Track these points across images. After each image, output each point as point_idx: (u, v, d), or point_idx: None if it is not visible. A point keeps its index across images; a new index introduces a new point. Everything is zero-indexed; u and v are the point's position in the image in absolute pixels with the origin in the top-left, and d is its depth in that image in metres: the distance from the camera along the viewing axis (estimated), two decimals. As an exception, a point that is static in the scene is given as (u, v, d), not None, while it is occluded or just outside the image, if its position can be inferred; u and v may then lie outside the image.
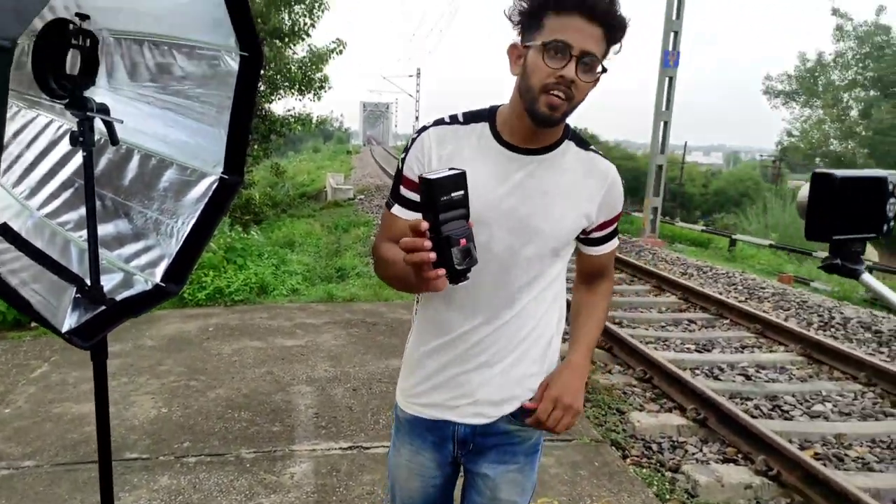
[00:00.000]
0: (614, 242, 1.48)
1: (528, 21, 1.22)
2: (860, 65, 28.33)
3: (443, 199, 1.01)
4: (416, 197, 1.30)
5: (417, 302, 1.47)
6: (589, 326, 1.49)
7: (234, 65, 1.64)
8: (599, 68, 1.21)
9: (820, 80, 29.38)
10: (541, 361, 1.43)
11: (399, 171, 1.37)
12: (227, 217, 8.90)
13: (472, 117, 1.34)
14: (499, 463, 1.44)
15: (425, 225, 1.02)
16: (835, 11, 28.17)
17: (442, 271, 1.03)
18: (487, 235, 1.29)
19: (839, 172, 0.94)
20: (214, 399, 4.03)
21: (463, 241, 1.04)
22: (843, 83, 29.01)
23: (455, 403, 1.40)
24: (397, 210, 1.36)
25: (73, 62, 1.45)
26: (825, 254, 12.56)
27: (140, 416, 3.76)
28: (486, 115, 1.34)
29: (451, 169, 1.04)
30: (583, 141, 1.38)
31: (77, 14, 1.45)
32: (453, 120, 1.35)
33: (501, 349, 1.38)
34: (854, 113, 29.03)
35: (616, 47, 1.24)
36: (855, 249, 1.00)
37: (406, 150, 1.36)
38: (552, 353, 1.46)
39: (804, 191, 1.00)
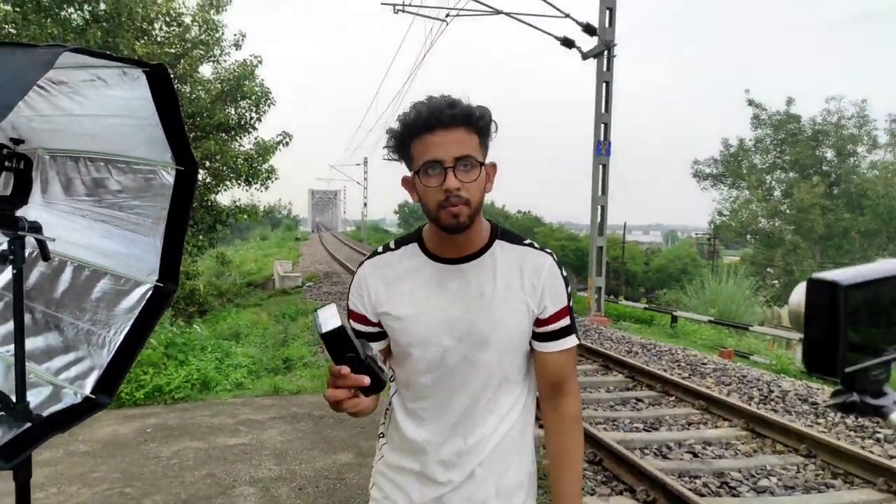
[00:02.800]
0: (570, 340, 1.41)
1: (402, 154, 1.31)
2: (778, 149, 30.55)
3: (349, 335, 1.11)
4: (363, 328, 1.39)
5: (384, 424, 1.50)
6: (567, 479, 1.42)
7: (169, 178, 1.69)
8: (480, 163, 1.26)
9: (743, 164, 31.42)
10: (518, 470, 1.42)
11: (347, 308, 1.42)
12: (169, 309, 8.71)
13: (402, 242, 1.42)
14: None
15: (346, 369, 1.10)
16: (751, 102, 30.57)
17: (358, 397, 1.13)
18: (441, 350, 1.33)
19: (844, 276, 0.66)
20: (150, 508, 3.83)
21: (376, 352, 1.15)
22: (765, 166, 31.11)
23: None
24: None
25: (5, 183, 1.48)
26: (761, 328, 12.92)
27: (67, 531, 3.53)
28: (415, 237, 1.40)
29: (328, 317, 1.11)
30: (515, 237, 1.41)
31: (11, 138, 1.50)
32: (385, 248, 1.43)
33: (476, 463, 1.37)
34: (777, 193, 31.00)
35: (493, 126, 1.30)
36: (876, 377, 0.70)
37: (350, 286, 1.44)
38: (527, 462, 1.45)
39: (796, 297, 0.72)
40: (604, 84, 14.00)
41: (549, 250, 1.41)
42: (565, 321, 1.39)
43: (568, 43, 14.20)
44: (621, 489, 4.50)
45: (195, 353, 7.53)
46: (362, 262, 1.43)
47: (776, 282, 30.64)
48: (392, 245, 1.43)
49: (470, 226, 1.28)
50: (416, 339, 1.34)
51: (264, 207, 14.77)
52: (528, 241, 1.41)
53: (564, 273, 1.40)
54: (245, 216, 13.86)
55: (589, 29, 13.75)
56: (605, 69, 13.97)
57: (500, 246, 1.38)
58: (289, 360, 8.39)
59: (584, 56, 14.29)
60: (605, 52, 13.82)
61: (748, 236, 32.32)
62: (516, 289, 1.35)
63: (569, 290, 1.41)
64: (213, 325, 11.65)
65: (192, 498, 3.96)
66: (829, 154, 29.85)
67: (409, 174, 1.32)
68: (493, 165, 1.34)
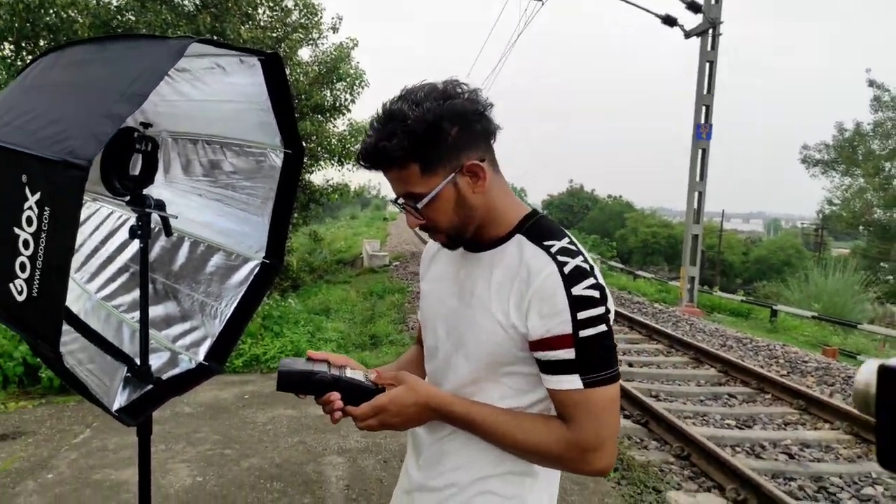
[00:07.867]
0: (571, 381, 1.04)
1: None
2: (900, 134, 28.14)
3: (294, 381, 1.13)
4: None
5: None
6: (497, 411, 1.12)
7: (278, 161, 1.80)
8: (423, 199, 1.07)
9: (859, 149, 29.17)
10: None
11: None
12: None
13: None
14: None
15: (336, 395, 1.12)
16: (871, 83, 28.24)
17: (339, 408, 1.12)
18: (436, 339, 1.22)
19: None
20: (248, 468, 4.07)
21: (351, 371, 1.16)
22: (884, 152, 28.73)
23: None
24: None
25: (135, 164, 1.62)
26: (871, 327, 12.08)
27: (176, 484, 3.81)
28: None
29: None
30: (543, 234, 1.11)
31: (141, 122, 1.64)
32: None
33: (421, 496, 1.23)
34: (897, 182, 28.62)
35: (443, 132, 1.05)
36: None
37: None
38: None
39: (863, 377, 0.64)
40: (707, 64, 13.36)
41: (564, 259, 1.06)
42: (564, 354, 1.03)
43: (670, 21, 13.61)
44: (710, 486, 4.36)
45: (289, 325, 7.89)
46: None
47: (890, 277, 28.41)
48: None
49: (462, 243, 1.16)
50: (424, 319, 1.28)
51: (355, 188, 15.15)
52: (549, 243, 1.09)
53: (581, 292, 1.03)
54: (337, 195, 14.26)
55: (693, 6, 13.12)
56: (709, 48, 13.31)
57: (517, 242, 1.12)
58: (375, 337, 8.64)
59: (687, 35, 13.66)
60: (710, 31, 13.15)
61: (861, 227, 30.09)
62: (504, 294, 1.09)
63: (581, 314, 1.02)
64: (305, 299, 12.12)
65: (286, 462, 4.18)
66: (961, 140, 27.24)
67: None
68: (472, 167, 1.08)
